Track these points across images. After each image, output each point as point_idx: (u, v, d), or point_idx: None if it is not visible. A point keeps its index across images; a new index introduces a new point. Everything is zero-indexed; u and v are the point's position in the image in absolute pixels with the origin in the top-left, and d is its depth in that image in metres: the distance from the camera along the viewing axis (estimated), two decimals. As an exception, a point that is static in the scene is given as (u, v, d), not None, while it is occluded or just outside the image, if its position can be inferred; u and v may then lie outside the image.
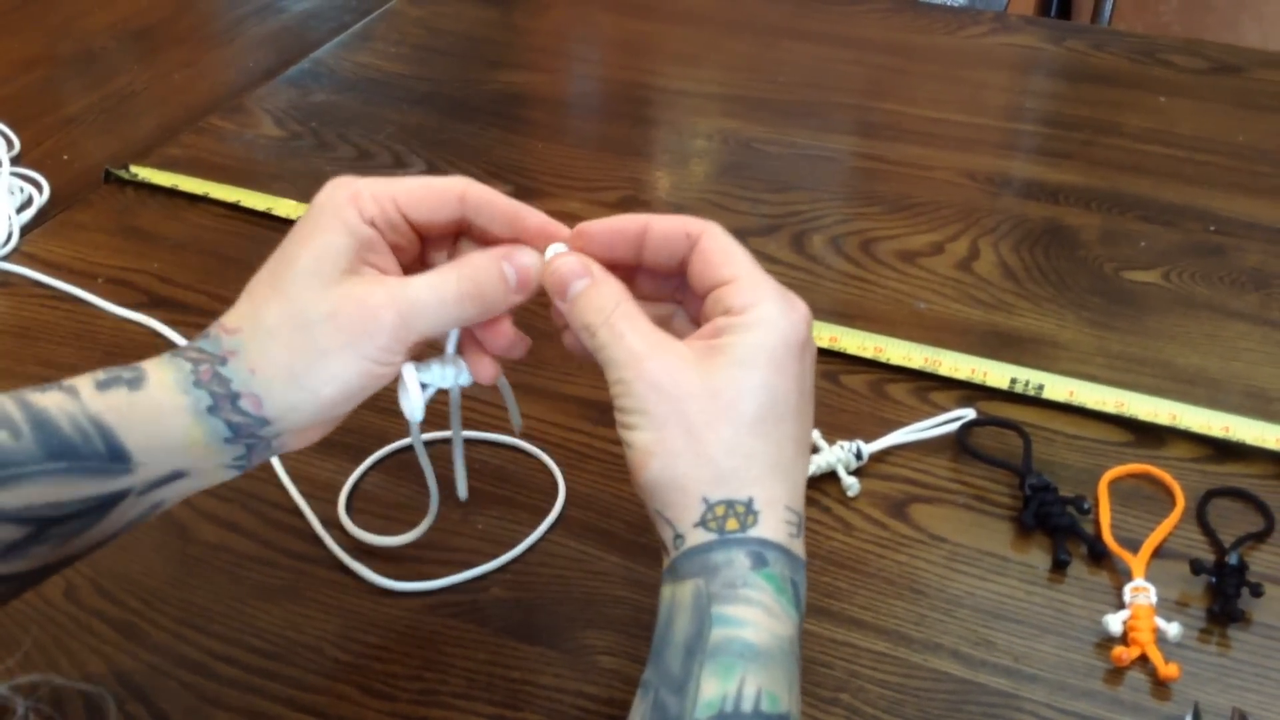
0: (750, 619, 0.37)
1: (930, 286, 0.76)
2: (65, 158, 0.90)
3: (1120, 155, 0.89)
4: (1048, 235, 0.80)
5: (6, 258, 0.78)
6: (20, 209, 0.83)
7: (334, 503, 0.60)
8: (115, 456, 0.39)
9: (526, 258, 0.43)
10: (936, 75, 1.01)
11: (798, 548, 0.39)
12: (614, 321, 0.41)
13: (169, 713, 0.50)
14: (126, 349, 0.70)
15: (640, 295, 0.44)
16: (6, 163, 0.87)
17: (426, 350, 0.45)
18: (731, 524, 0.38)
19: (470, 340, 0.46)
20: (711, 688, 0.36)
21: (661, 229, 0.43)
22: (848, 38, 1.07)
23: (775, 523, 0.39)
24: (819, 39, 1.07)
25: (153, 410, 0.40)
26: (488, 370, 0.46)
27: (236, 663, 0.52)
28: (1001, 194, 0.85)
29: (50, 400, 0.39)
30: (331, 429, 0.44)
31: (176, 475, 0.41)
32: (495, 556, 0.57)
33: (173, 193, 0.85)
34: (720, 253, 0.42)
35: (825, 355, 0.68)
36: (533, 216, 0.44)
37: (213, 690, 0.51)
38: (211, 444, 0.41)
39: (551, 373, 0.68)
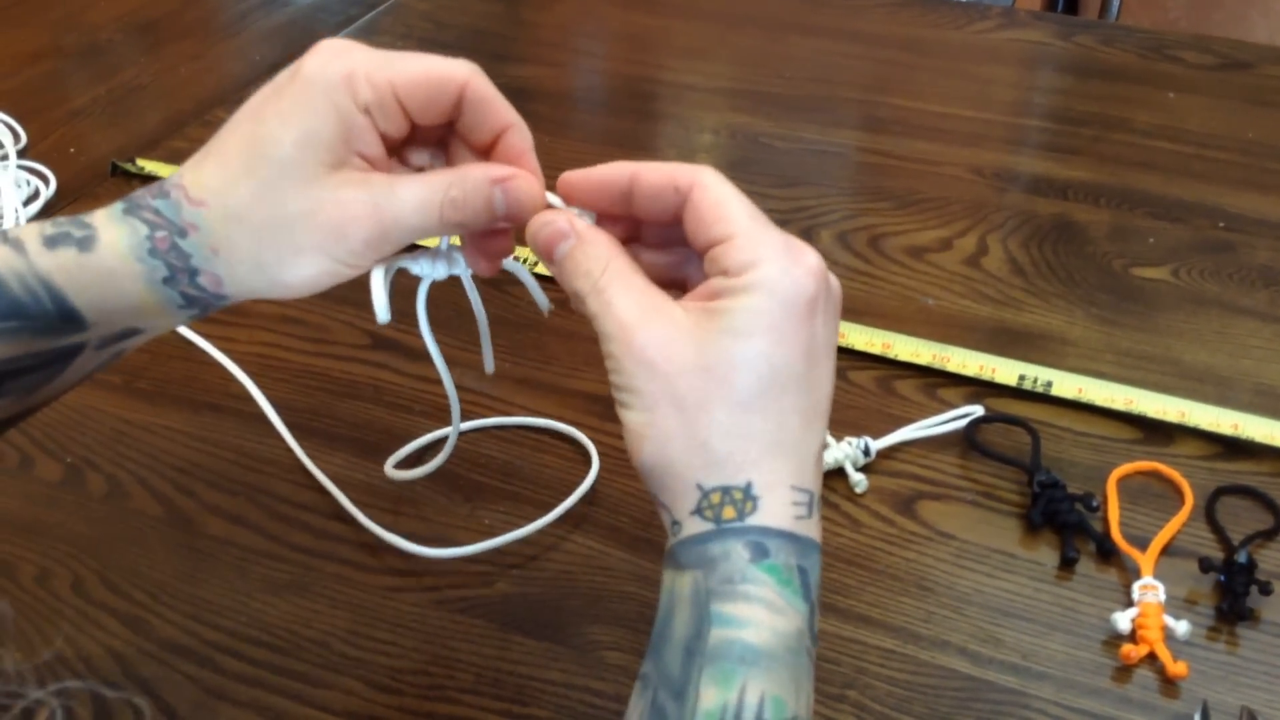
0: (751, 618, 0.34)
1: (938, 282, 0.75)
2: (72, 151, 0.90)
3: (1129, 151, 0.89)
4: (1056, 231, 0.80)
5: (13, 251, 0.78)
6: (27, 202, 0.83)
7: (350, 495, 0.60)
8: (66, 317, 0.38)
9: (523, 187, 0.40)
10: (944, 70, 1.01)
11: (807, 529, 0.36)
12: (602, 286, 0.37)
13: (175, 706, 0.50)
14: (133, 342, 0.70)
15: (649, 244, 0.41)
16: (13, 156, 0.87)
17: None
18: (728, 512, 0.35)
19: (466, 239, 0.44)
20: (711, 696, 0.34)
21: (648, 182, 0.39)
22: (855, 32, 1.07)
23: (778, 506, 0.35)
24: (826, 34, 1.07)
25: (104, 274, 0.38)
26: (484, 266, 0.43)
27: (243, 657, 0.52)
28: (1010, 190, 0.85)
29: (0, 261, 0.38)
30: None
31: (130, 332, 0.40)
32: (512, 551, 0.56)
33: (179, 186, 0.85)
34: (713, 206, 0.37)
35: (833, 351, 0.68)
36: (520, 137, 0.41)
37: (219, 684, 0.51)
38: (165, 308, 0.40)
39: (558, 368, 0.68)
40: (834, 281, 0.38)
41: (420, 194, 0.39)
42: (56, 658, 0.52)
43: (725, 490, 0.35)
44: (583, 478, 0.60)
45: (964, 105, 0.95)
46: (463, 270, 0.43)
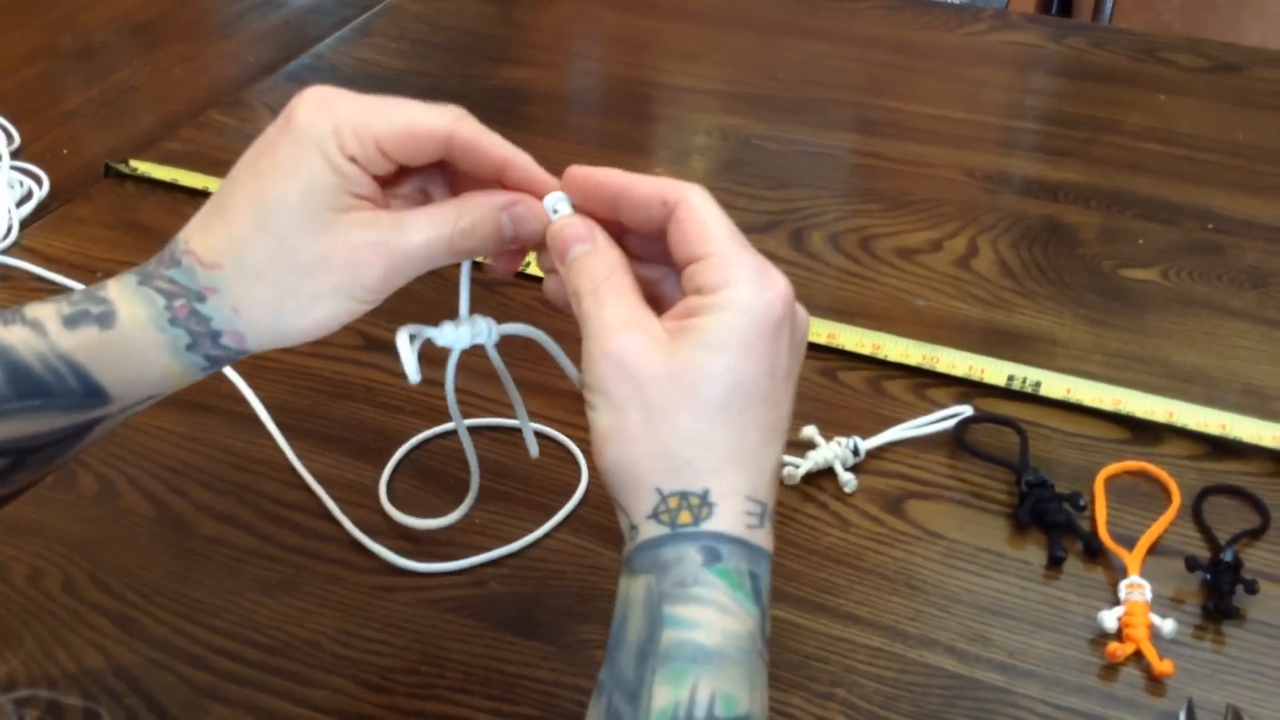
0: (702, 619, 0.35)
1: (929, 284, 0.76)
2: (65, 152, 0.90)
3: (1120, 153, 0.89)
4: (1046, 233, 0.81)
5: (6, 252, 0.78)
6: (20, 203, 0.83)
7: (340, 495, 0.60)
8: (90, 393, 0.39)
9: (527, 212, 0.41)
10: (937, 72, 1.01)
11: (759, 538, 0.37)
12: (600, 292, 0.39)
13: (166, 706, 0.50)
14: (126, 343, 0.70)
15: (631, 254, 0.42)
16: (6, 157, 0.87)
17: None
18: (684, 517, 0.36)
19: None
20: (664, 695, 0.34)
21: (639, 194, 0.40)
22: (848, 35, 1.07)
23: (732, 514, 0.37)
24: (820, 36, 1.07)
25: (127, 349, 0.39)
26: (507, 262, 0.44)
27: (234, 656, 0.52)
28: (1001, 191, 0.85)
29: (15, 337, 0.38)
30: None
31: (150, 399, 0.41)
32: (496, 551, 0.57)
33: (173, 187, 0.85)
34: (696, 225, 0.39)
35: (823, 351, 0.69)
36: (520, 169, 0.42)
37: (210, 684, 0.51)
38: (188, 373, 0.41)
39: (552, 369, 0.68)
40: (801, 312, 0.40)
41: (428, 230, 0.40)
42: (46, 657, 0.52)
43: (683, 495, 0.36)
44: (573, 476, 0.60)
45: (956, 107, 0.96)
46: (487, 339, 0.44)
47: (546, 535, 0.58)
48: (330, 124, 0.39)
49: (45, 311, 0.39)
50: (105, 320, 0.39)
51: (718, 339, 0.37)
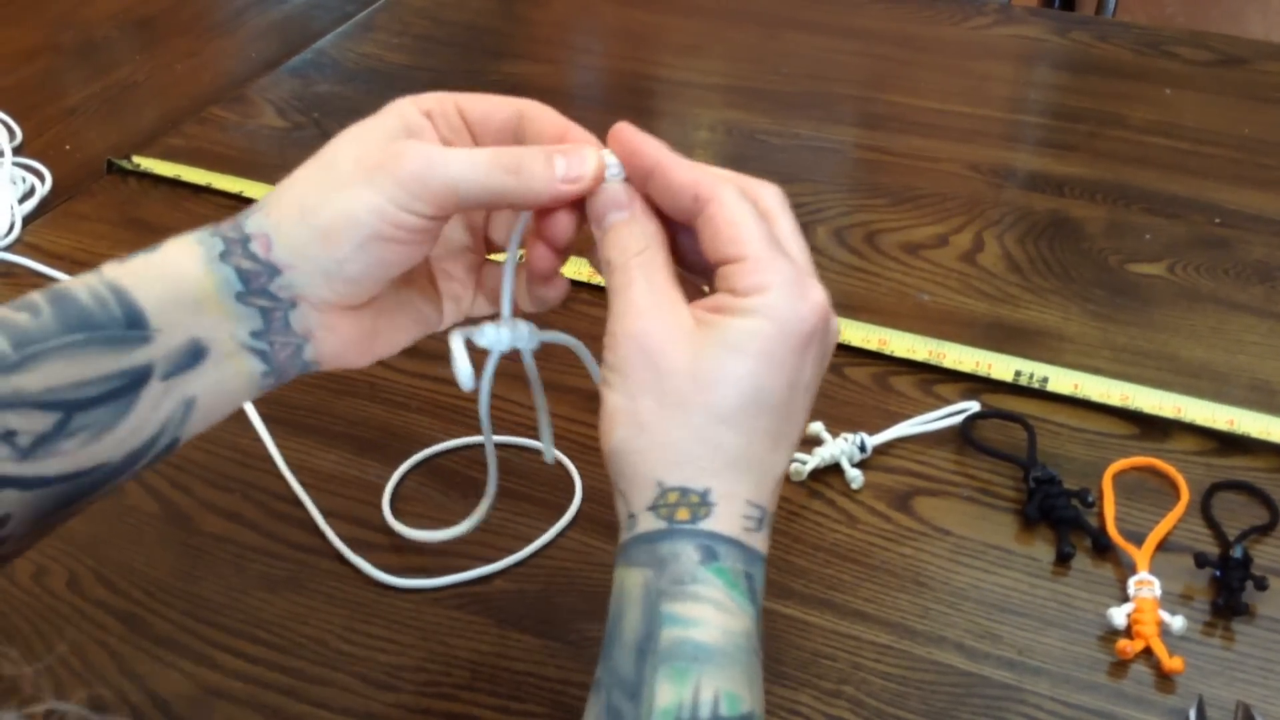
0: (701, 617, 0.35)
1: (934, 279, 0.75)
2: (67, 148, 0.90)
3: (1125, 147, 0.89)
4: (1052, 227, 0.80)
5: (9, 248, 0.78)
6: (22, 199, 0.83)
7: (345, 493, 0.60)
8: (131, 321, 0.37)
9: (585, 153, 0.40)
10: (941, 66, 1.01)
11: (756, 542, 0.37)
12: (631, 265, 0.38)
13: (172, 703, 0.50)
14: (129, 340, 0.70)
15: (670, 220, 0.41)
16: (9, 153, 0.87)
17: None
18: (682, 513, 0.36)
19: (529, 231, 0.43)
20: (666, 694, 0.34)
21: (671, 181, 0.39)
22: (852, 29, 1.07)
23: (730, 516, 0.36)
24: (823, 30, 1.07)
25: (166, 265, 0.39)
26: (545, 261, 0.42)
27: (240, 654, 0.52)
28: (1006, 186, 0.85)
29: (74, 280, 0.38)
30: (367, 342, 0.42)
31: (196, 350, 0.39)
32: (505, 550, 0.57)
33: (175, 183, 0.85)
34: (730, 226, 0.38)
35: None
36: (577, 135, 0.41)
37: (216, 681, 0.51)
38: (224, 300, 0.38)
39: (558, 365, 0.67)
40: (834, 324, 0.39)
41: (474, 154, 0.39)
42: (51, 655, 0.52)
43: (684, 491, 0.36)
44: (583, 477, 0.60)
45: (960, 101, 0.95)
46: (526, 343, 0.43)
47: (553, 532, 0.58)
48: (410, 98, 0.41)
49: (112, 261, 0.39)
50: (154, 248, 0.39)
51: (743, 343, 0.36)
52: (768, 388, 0.37)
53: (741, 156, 0.89)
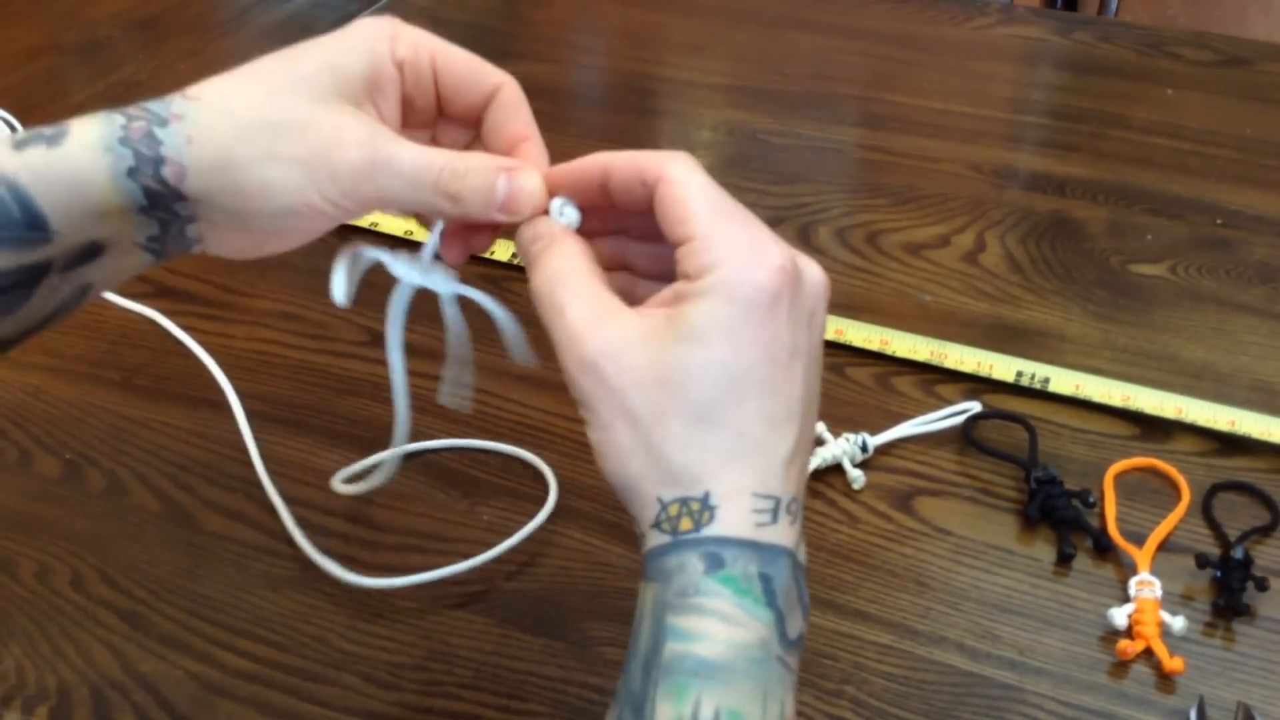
0: (704, 631, 0.33)
1: (936, 279, 0.75)
2: (70, 147, 0.90)
3: (1127, 148, 0.89)
4: (1054, 228, 0.80)
5: (12, 247, 0.78)
6: (26, 198, 0.83)
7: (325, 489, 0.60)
8: (31, 224, 0.36)
9: (526, 181, 0.39)
10: (943, 67, 1.01)
11: (774, 536, 0.35)
12: (555, 292, 0.36)
13: (175, 702, 0.50)
14: (133, 339, 0.70)
15: (636, 236, 0.39)
16: (12, 152, 0.87)
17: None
18: (685, 524, 0.34)
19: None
20: (665, 711, 0.33)
21: (620, 176, 0.38)
22: (854, 29, 1.07)
23: (737, 515, 0.34)
24: (825, 30, 1.07)
25: (69, 168, 0.36)
26: (454, 253, 0.41)
27: (243, 653, 0.52)
28: (1008, 186, 0.85)
29: None
30: (253, 252, 0.40)
31: (94, 248, 0.38)
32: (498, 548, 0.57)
33: (178, 182, 0.85)
34: (676, 204, 0.36)
35: (831, 347, 0.68)
36: (535, 155, 0.41)
37: (219, 680, 0.51)
38: (127, 212, 0.37)
39: (552, 364, 0.68)
40: (811, 275, 0.37)
41: (422, 150, 0.38)
42: (55, 654, 0.52)
43: (683, 501, 0.34)
44: (578, 474, 0.60)
45: (962, 102, 0.96)
46: (443, 288, 0.41)
47: (552, 532, 0.58)
48: (389, 29, 0.39)
49: (2, 139, 0.37)
50: (55, 140, 0.37)
51: (701, 330, 0.34)
52: (742, 371, 0.34)
53: (743, 156, 0.89)
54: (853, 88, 0.98)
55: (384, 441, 0.62)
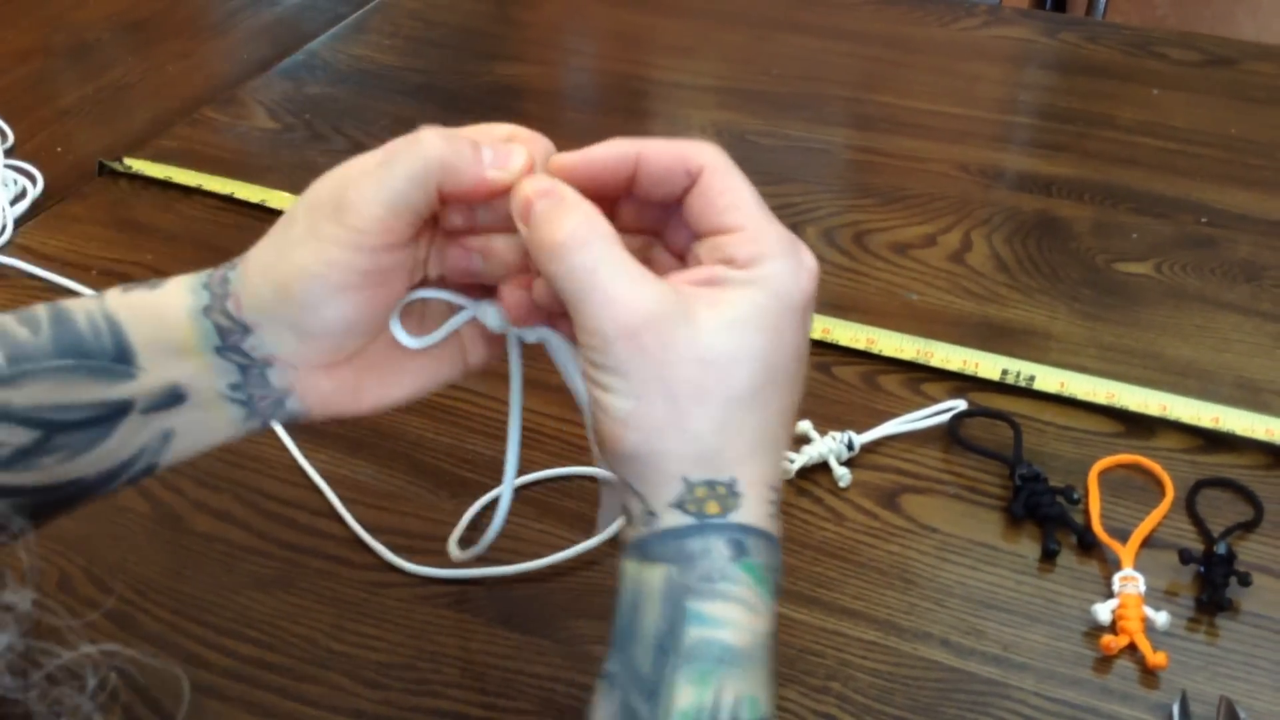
0: (730, 618, 0.34)
1: (923, 278, 0.76)
2: (59, 150, 0.90)
3: (1113, 148, 0.89)
4: (1040, 227, 0.81)
5: (1, 251, 0.78)
6: (14, 201, 0.83)
7: (339, 492, 0.60)
8: (119, 355, 0.38)
9: (511, 147, 0.38)
10: (930, 68, 1.01)
11: (776, 529, 0.36)
12: (580, 251, 0.35)
13: (162, 701, 0.50)
14: (121, 340, 0.70)
15: (619, 226, 0.37)
16: (0, 155, 0.87)
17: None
18: (712, 507, 0.34)
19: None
20: (687, 696, 0.33)
21: (658, 162, 0.37)
22: (842, 30, 1.07)
23: (757, 505, 0.35)
24: (813, 31, 1.07)
25: (159, 307, 0.39)
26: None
27: (230, 653, 0.52)
28: (994, 186, 0.86)
29: (78, 303, 0.39)
30: (352, 398, 0.40)
31: (176, 394, 0.39)
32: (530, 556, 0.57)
33: (166, 185, 0.85)
34: (724, 194, 0.36)
35: (818, 346, 0.69)
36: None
37: (206, 679, 0.51)
38: (204, 352, 0.38)
39: (546, 363, 0.68)
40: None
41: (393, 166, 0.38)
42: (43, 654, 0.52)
43: (711, 485, 0.35)
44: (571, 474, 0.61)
45: (950, 102, 0.96)
46: (494, 321, 0.41)
47: (541, 531, 0.58)
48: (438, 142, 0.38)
49: (117, 287, 0.40)
50: (155, 285, 0.40)
51: (751, 318, 0.35)
52: (778, 363, 0.35)
53: (732, 157, 0.88)
54: (840, 89, 0.99)
55: (370, 441, 0.63)
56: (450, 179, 0.37)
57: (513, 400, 0.44)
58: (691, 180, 0.37)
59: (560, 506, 0.59)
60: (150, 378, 0.38)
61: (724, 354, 0.34)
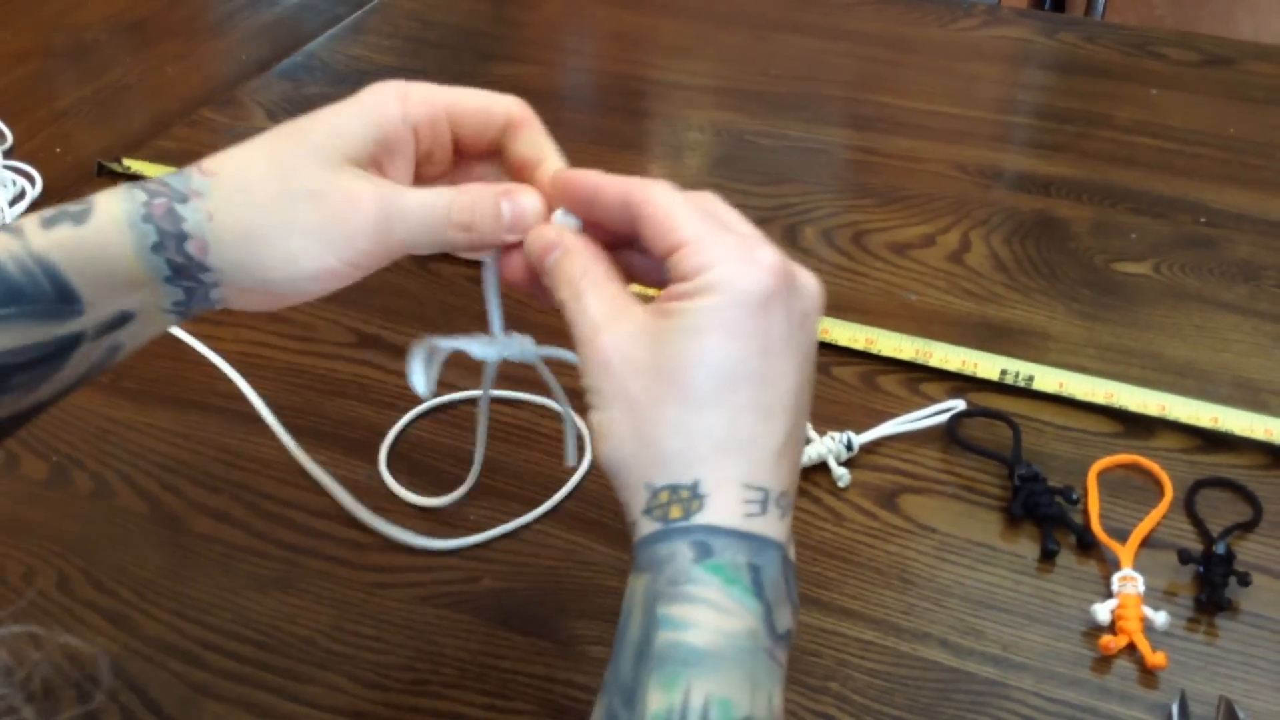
0: (694, 619, 0.34)
1: (921, 278, 0.76)
2: (58, 151, 0.90)
3: (1112, 147, 0.90)
4: (1039, 227, 0.81)
5: None
6: (13, 202, 0.83)
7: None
8: (63, 297, 0.38)
9: (527, 201, 0.41)
10: (929, 68, 1.02)
11: (763, 527, 0.35)
12: (579, 291, 0.38)
13: (161, 703, 0.50)
14: (119, 341, 0.70)
15: (639, 247, 0.41)
16: (-1, 156, 0.87)
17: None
18: (675, 511, 0.35)
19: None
20: (656, 700, 0.33)
21: (604, 198, 0.40)
22: (840, 30, 1.08)
23: (727, 504, 0.35)
24: (812, 31, 1.08)
25: (97, 244, 0.39)
26: (521, 275, 0.43)
27: (229, 653, 0.52)
28: (993, 186, 0.86)
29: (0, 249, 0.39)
30: (273, 306, 0.42)
31: (124, 317, 0.40)
32: (489, 545, 0.57)
33: (165, 185, 0.85)
34: (663, 219, 0.38)
35: (817, 346, 0.69)
36: (551, 164, 0.43)
37: (205, 680, 0.51)
38: (153, 282, 0.40)
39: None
40: (803, 279, 0.38)
41: (426, 194, 0.41)
42: (42, 655, 0.52)
43: (673, 489, 0.35)
44: (567, 475, 0.60)
45: (948, 102, 0.96)
46: (526, 354, 0.44)
47: (541, 531, 0.58)
48: (398, 91, 0.41)
49: (28, 219, 0.39)
50: (81, 217, 0.39)
51: (698, 323, 0.36)
52: (733, 360, 0.36)
53: (730, 158, 0.89)
54: (839, 89, 0.99)
55: (369, 443, 0.63)
56: (470, 242, 0.41)
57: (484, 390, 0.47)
58: (634, 211, 0.39)
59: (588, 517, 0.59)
60: (98, 310, 0.39)
61: (675, 359, 0.36)
